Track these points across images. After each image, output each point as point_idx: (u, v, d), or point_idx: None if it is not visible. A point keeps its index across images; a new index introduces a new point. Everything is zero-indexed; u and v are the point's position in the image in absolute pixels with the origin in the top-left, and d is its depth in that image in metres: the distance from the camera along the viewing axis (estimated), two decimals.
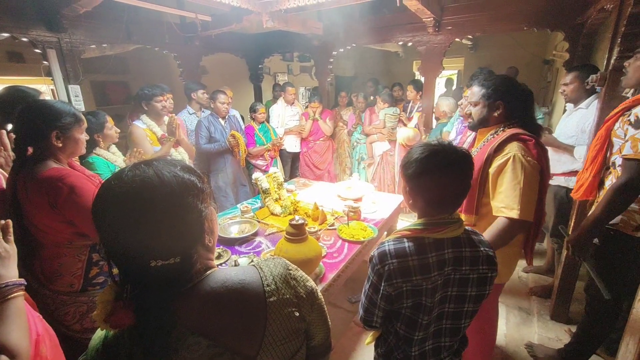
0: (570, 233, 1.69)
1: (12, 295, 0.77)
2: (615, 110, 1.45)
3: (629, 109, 1.38)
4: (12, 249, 0.83)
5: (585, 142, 2.02)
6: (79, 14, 2.27)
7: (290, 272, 0.68)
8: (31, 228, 1.16)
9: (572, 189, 2.11)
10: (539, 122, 2.51)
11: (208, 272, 0.62)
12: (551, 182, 2.29)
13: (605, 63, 1.74)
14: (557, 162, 2.20)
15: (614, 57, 1.61)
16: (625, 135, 1.36)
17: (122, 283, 0.57)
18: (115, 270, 0.57)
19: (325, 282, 1.57)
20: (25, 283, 0.82)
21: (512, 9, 2.72)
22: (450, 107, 3.18)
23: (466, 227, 0.98)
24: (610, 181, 1.49)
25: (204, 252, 0.62)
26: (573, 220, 1.96)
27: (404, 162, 0.97)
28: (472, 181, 0.96)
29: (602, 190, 1.53)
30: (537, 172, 1.27)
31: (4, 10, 2.19)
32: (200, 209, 0.58)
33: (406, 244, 0.93)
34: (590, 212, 1.52)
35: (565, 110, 2.39)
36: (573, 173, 2.11)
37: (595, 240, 1.50)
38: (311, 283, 0.71)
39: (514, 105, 1.37)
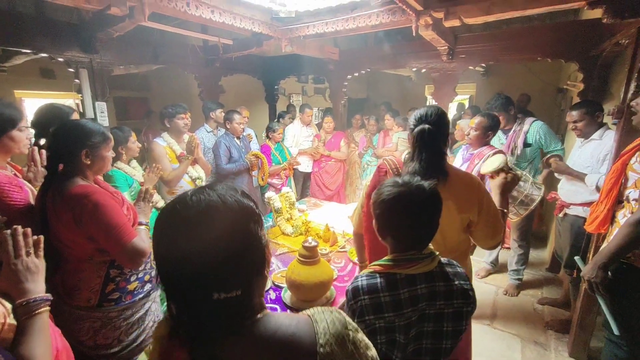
0: (583, 266, 1.66)
1: (39, 311, 0.79)
2: (632, 145, 1.46)
3: None
4: (41, 264, 0.86)
5: (599, 171, 2.02)
6: (112, 37, 2.42)
7: (349, 333, 0.59)
8: (56, 242, 1.20)
9: None
10: (561, 152, 2.51)
11: (260, 314, 0.57)
12: (568, 211, 2.26)
13: (622, 96, 1.75)
14: (575, 193, 2.18)
15: (631, 92, 1.62)
16: None
17: (178, 317, 0.53)
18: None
19: (336, 307, 1.56)
20: (52, 298, 0.84)
21: (525, 40, 2.77)
22: None
23: (441, 260, 0.98)
24: (623, 215, 1.48)
25: (262, 284, 0.59)
26: (591, 253, 1.90)
27: (373, 201, 0.99)
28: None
29: (615, 223, 1.52)
30: None
31: (44, 32, 2.36)
32: (260, 235, 0.57)
33: (378, 280, 0.93)
34: (604, 246, 1.50)
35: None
36: (591, 204, 2.07)
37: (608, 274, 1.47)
38: (372, 352, 0.61)
39: None
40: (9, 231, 0.83)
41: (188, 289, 0.52)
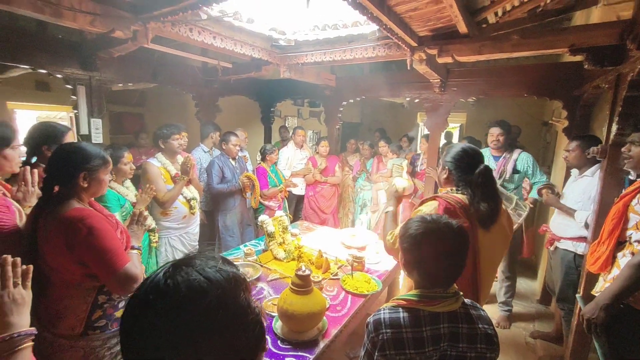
0: (584, 305, 1.66)
1: (23, 346, 0.75)
2: (633, 187, 1.49)
3: None
4: (28, 295, 0.82)
5: (590, 208, 2.06)
6: (113, 57, 2.45)
7: None
8: (43, 266, 1.16)
9: (580, 254, 2.12)
10: (542, 183, 2.60)
11: None
12: (559, 245, 2.30)
13: (605, 136, 1.84)
14: (566, 227, 2.24)
15: (613, 133, 1.71)
16: None
17: None
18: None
19: (328, 339, 1.52)
20: (36, 332, 0.80)
21: (513, 78, 2.93)
22: None
23: (465, 301, 0.98)
24: (623, 255, 1.50)
25: (262, 357, 0.53)
26: (582, 288, 1.93)
27: (400, 234, 1.01)
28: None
29: (614, 263, 1.54)
30: None
31: (44, 49, 2.37)
32: (253, 306, 0.50)
33: (401, 314, 0.93)
34: (605, 286, 1.50)
35: (567, 175, 2.48)
36: (582, 239, 2.13)
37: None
38: None
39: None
40: None
41: None
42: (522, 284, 3.43)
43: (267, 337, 1.50)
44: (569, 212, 2.17)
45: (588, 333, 1.47)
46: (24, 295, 0.81)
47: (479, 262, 1.31)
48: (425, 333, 0.89)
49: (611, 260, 1.55)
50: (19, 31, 2.30)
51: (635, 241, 1.44)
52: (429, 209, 1.35)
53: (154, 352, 0.43)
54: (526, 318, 2.92)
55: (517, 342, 2.59)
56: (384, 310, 0.96)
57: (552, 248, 2.37)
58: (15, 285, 0.80)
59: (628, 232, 1.49)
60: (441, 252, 0.93)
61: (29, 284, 0.83)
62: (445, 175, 1.45)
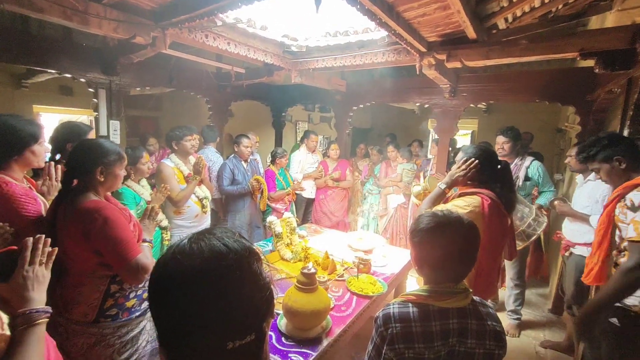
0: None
1: (39, 321, 0.80)
2: (611, 198, 1.50)
3: (622, 195, 1.43)
4: (47, 275, 0.88)
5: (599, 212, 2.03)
6: (132, 62, 2.57)
7: None
8: (60, 254, 1.22)
9: None
10: (551, 194, 2.58)
11: None
12: (573, 250, 2.28)
13: None
14: (578, 233, 2.21)
15: None
16: (626, 218, 1.39)
17: None
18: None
19: (332, 337, 1.53)
20: (51, 311, 0.85)
21: (524, 83, 2.91)
22: None
23: (474, 298, 0.98)
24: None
25: (270, 323, 0.57)
26: (592, 296, 1.89)
27: (411, 229, 1.02)
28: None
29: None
30: None
31: (69, 55, 2.51)
32: (265, 274, 0.56)
33: (411, 309, 0.93)
34: (597, 292, 1.50)
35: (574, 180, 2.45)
36: None
37: (614, 320, 1.45)
38: None
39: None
40: (31, 238, 0.86)
41: (199, 344, 0.48)
42: (534, 292, 3.35)
43: (272, 333, 1.53)
44: (584, 217, 2.15)
45: (577, 337, 1.44)
46: (45, 274, 0.87)
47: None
48: (434, 328, 0.90)
49: (605, 272, 1.52)
50: (46, 39, 2.45)
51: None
52: (470, 203, 1.45)
53: (177, 311, 0.48)
54: (536, 327, 2.85)
55: (527, 352, 2.52)
56: (393, 305, 0.96)
57: (567, 254, 2.34)
58: (40, 263, 0.86)
59: (624, 243, 1.46)
60: (452, 247, 0.93)
61: (50, 265, 0.89)
62: (473, 172, 1.55)
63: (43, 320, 0.82)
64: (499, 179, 1.54)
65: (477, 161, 1.55)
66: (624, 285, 1.32)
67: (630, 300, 1.40)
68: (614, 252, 1.50)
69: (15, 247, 0.87)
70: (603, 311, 1.39)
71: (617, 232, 1.48)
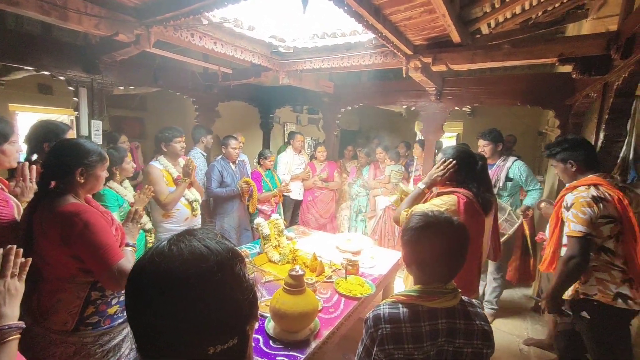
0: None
1: (10, 339, 0.75)
2: (558, 198, 1.69)
3: (564, 196, 1.64)
4: (21, 287, 0.82)
5: None
6: (116, 60, 2.50)
7: None
8: (37, 261, 1.17)
9: None
10: (537, 192, 2.68)
11: None
12: None
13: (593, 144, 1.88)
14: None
15: (601, 141, 1.76)
16: (564, 217, 1.59)
17: None
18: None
19: (320, 339, 1.53)
20: (24, 326, 0.80)
21: (506, 87, 2.99)
22: None
23: (462, 298, 0.99)
24: None
25: (254, 327, 0.56)
26: None
27: (402, 228, 1.03)
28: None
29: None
30: None
31: (48, 51, 2.42)
32: (248, 277, 0.54)
33: (401, 310, 0.94)
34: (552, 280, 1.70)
35: (560, 183, 2.52)
36: None
37: (584, 314, 1.57)
38: None
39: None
40: (0, 249, 0.81)
41: (177, 350, 0.46)
42: (517, 292, 3.43)
43: (259, 337, 1.51)
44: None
45: (548, 312, 1.66)
46: (18, 288, 0.81)
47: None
48: (423, 328, 0.91)
49: (555, 260, 1.71)
50: (24, 34, 2.35)
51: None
52: (447, 202, 1.49)
53: (159, 308, 0.46)
54: (520, 325, 2.92)
55: (510, 350, 2.58)
56: (383, 305, 0.96)
57: None
58: (12, 275, 0.81)
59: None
60: (441, 246, 0.94)
61: (24, 276, 0.84)
62: (451, 172, 1.60)
63: (15, 337, 0.77)
64: (476, 179, 1.61)
65: (454, 162, 1.60)
66: (565, 272, 1.52)
67: (590, 290, 1.54)
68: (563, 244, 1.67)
69: None
70: (558, 294, 1.60)
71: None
